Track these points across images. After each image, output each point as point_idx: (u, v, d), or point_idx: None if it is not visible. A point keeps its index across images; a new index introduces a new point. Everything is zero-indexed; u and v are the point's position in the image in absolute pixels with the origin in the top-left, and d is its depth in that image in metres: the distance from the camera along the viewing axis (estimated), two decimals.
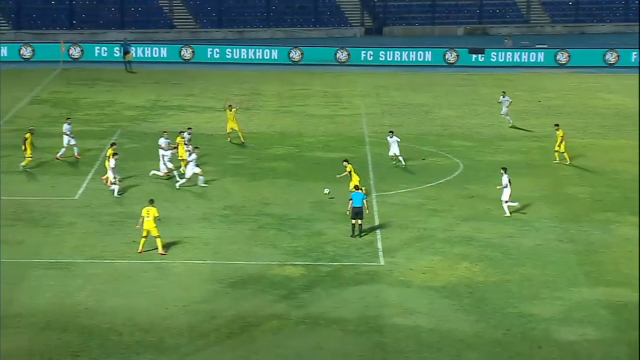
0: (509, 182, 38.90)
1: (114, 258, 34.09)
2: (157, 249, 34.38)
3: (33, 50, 71.03)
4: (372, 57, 73.08)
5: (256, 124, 54.26)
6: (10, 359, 26.95)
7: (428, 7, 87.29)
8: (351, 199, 36.52)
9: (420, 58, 72.89)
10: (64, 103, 57.75)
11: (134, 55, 68.90)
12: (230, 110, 49.44)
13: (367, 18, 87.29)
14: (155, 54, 72.05)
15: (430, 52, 73.15)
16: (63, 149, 45.63)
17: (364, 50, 73.54)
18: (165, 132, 44.87)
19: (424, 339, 28.52)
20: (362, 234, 36.47)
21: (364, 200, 36.50)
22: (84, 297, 30.80)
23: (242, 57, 72.79)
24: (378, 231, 37.10)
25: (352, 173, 40.12)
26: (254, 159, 47.03)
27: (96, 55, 71.51)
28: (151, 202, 35.00)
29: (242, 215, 38.69)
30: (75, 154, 45.92)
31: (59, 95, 59.88)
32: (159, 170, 42.54)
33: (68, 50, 70.38)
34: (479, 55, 73.02)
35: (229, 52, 72.95)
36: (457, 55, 72.90)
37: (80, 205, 39.42)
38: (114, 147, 41.91)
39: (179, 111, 56.37)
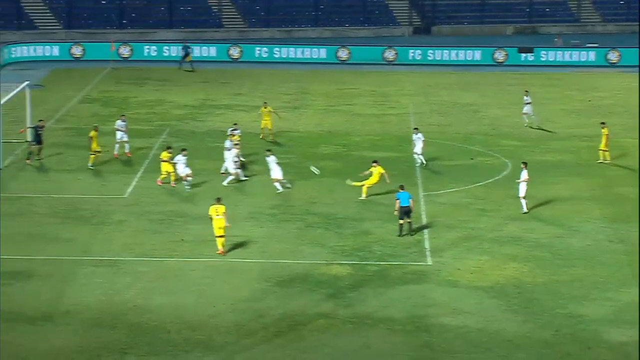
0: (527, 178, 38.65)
1: (163, 256, 34.33)
2: (218, 249, 34.13)
3: (84, 50, 71.74)
4: (420, 56, 72.88)
5: (304, 123, 54.35)
6: (60, 355, 27.26)
7: (477, 5, 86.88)
8: (398, 199, 36.48)
9: (469, 57, 72.59)
10: (114, 102, 58.27)
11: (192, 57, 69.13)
12: (265, 108, 49.65)
13: (416, 17, 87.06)
14: (204, 53, 72.44)
15: (479, 52, 72.81)
16: (117, 145, 45.91)
17: (412, 49, 73.35)
18: (231, 132, 44.76)
19: (472, 339, 28.40)
20: (412, 233, 36.40)
21: (411, 200, 36.43)
22: (133, 294, 31.06)
23: (290, 56, 72.94)
24: (425, 231, 37.01)
25: (375, 174, 39.88)
26: (301, 158, 47.11)
27: (145, 54, 72.06)
28: (218, 200, 34.58)
29: (290, 214, 38.77)
30: (126, 150, 46.24)
31: (108, 94, 60.44)
32: (228, 173, 42.21)
33: (118, 50, 71.00)
34: (529, 55, 72.54)
35: (277, 51, 73.15)
36: (506, 55, 72.48)
37: (129, 204, 39.76)
38: (170, 150, 41.85)
39: (227, 110, 56.64)
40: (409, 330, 29.05)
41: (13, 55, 69.79)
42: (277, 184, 41.18)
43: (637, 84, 61.20)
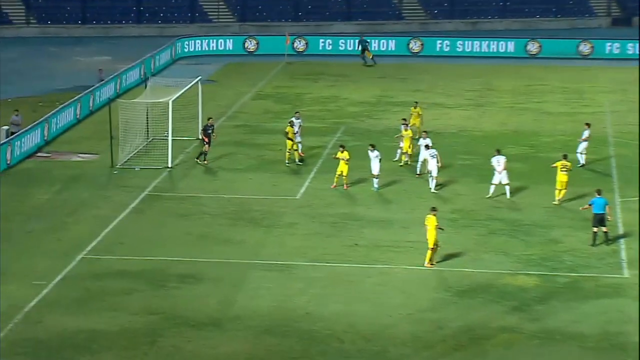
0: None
1: (336, 261, 34.57)
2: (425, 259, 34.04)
3: (257, 43, 73.09)
4: (618, 49, 71.12)
5: (488, 121, 53.82)
6: None
7: None
8: (591, 205, 35.68)
9: None
10: (287, 98, 59.12)
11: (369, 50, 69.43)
12: (415, 109, 49.43)
13: (615, 7, 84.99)
14: (383, 47, 72.64)
15: None
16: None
17: (609, 42, 71.64)
18: (425, 131, 44.84)
19: None
20: (608, 242, 35.55)
21: (607, 207, 35.55)
22: (305, 301, 31.38)
23: (474, 49, 72.38)
24: (622, 240, 36.07)
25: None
26: (484, 159, 46.56)
27: (321, 48, 72.84)
28: (433, 210, 34.30)
29: (471, 220, 38.44)
30: (299, 150, 46.73)
31: (282, 90, 61.37)
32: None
33: (293, 43, 71.98)
34: None
35: (460, 44, 72.70)
36: None
37: (301, 205, 40.23)
38: (342, 149, 41.88)
39: (405, 107, 56.57)
40: (603, 347, 28.38)
41: (186, 49, 71.78)
42: (374, 180, 40.99)
43: None
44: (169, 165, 44.90)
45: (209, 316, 30.28)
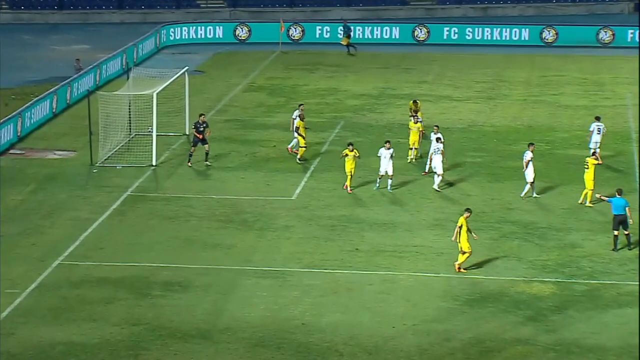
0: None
1: (334, 267, 34.62)
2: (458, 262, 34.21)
3: (249, 31, 73.09)
4: None
5: (499, 115, 53.88)
6: None
7: None
8: (610, 202, 35.80)
9: None
10: (282, 90, 59.17)
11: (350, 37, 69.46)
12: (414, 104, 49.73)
13: None
14: (386, 34, 72.70)
15: None
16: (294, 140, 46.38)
17: (632, 29, 71.66)
18: (436, 126, 44.83)
19: None
20: (630, 247, 35.62)
21: (627, 208, 35.61)
22: (301, 311, 31.43)
23: (485, 37, 72.43)
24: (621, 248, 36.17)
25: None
26: (495, 157, 46.71)
27: (318, 36, 72.85)
28: (467, 210, 34.33)
29: (481, 222, 38.48)
30: (289, 146, 46.63)
31: (276, 81, 61.40)
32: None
33: (287, 31, 72.02)
34: None
35: (469, 32, 72.75)
36: None
37: (297, 207, 40.27)
38: (351, 147, 41.68)
39: (410, 100, 56.63)
40: None
41: (171, 37, 71.80)
42: (389, 181, 41.23)
43: None
44: (153, 164, 44.94)
45: (196, 327, 30.31)
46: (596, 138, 45.33)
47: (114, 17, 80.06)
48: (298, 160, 45.10)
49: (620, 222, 35.65)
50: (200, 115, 45.67)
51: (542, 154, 47.01)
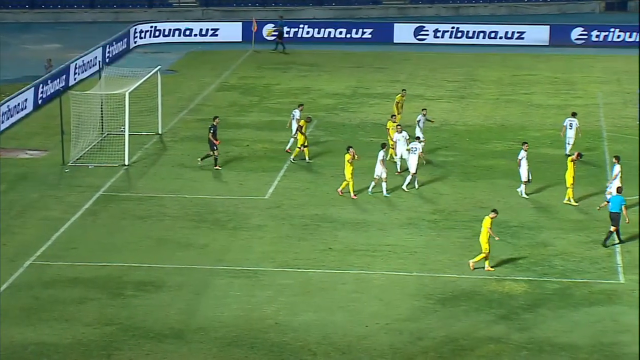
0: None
1: (308, 267, 34.63)
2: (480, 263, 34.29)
3: (222, 30, 72.95)
4: (614, 36, 71.45)
5: (471, 115, 54.00)
6: None
7: None
8: (607, 202, 36.01)
9: None
10: (255, 90, 59.10)
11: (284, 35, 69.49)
12: (403, 96, 49.90)
13: None
14: (357, 34, 72.72)
15: None
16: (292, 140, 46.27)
17: (603, 28, 71.96)
18: (399, 125, 44.82)
19: None
20: (606, 243, 35.93)
21: (623, 206, 35.82)
22: (274, 310, 31.43)
23: (456, 36, 72.55)
24: (617, 244, 36.28)
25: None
26: (468, 156, 46.82)
27: (291, 35, 72.73)
28: (493, 211, 34.31)
29: (454, 221, 38.58)
30: (287, 147, 46.57)
31: (249, 80, 61.34)
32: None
33: (260, 30, 71.88)
34: None
35: (441, 30, 72.83)
36: None
37: (270, 206, 40.26)
38: (351, 150, 41.30)
39: (383, 100, 56.72)
40: (596, 359, 28.49)
41: (143, 37, 71.59)
42: (383, 185, 40.99)
43: None
44: (126, 163, 44.82)
45: (169, 327, 30.27)
46: (570, 133, 45.76)
47: (85, 16, 79.76)
48: (292, 160, 45.08)
49: (614, 219, 35.78)
50: (215, 118, 45.21)
51: (514, 153, 47.03)
